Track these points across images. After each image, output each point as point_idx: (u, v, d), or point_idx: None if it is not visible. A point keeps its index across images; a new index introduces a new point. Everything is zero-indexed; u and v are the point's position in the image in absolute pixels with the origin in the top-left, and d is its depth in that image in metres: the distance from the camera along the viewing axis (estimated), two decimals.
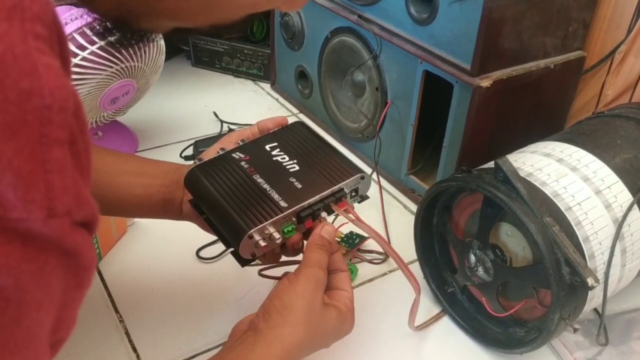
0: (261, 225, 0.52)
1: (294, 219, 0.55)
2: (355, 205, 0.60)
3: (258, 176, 0.58)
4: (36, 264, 0.25)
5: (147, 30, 0.38)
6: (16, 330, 0.26)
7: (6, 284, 0.24)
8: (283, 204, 0.54)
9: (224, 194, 0.56)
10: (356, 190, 0.59)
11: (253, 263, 0.57)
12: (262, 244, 0.53)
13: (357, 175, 0.58)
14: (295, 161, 0.59)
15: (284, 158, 0.60)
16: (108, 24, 0.36)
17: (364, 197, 0.61)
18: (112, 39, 0.37)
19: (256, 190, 0.56)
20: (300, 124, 0.65)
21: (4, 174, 0.23)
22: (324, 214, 0.57)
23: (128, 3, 0.34)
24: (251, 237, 0.52)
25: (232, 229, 0.54)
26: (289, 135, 0.63)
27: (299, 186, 0.56)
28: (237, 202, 0.55)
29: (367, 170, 1.02)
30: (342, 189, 0.57)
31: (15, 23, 0.23)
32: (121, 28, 0.37)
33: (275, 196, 0.55)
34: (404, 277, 0.58)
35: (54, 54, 0.25)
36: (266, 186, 0.56)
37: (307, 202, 0.55)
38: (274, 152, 0.61)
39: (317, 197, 0.56)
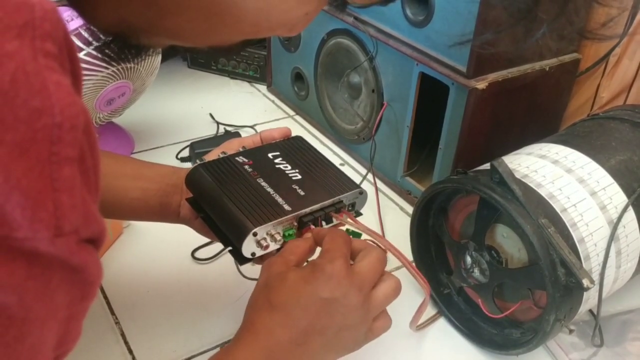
0: (266, 224, 0.53)
1: (295, 224, 0.56)
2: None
3: (262, 180, 0.59)
4: (41, 281, 0.25)
5: (145, 46, 0.38)
6: (19, 348, 0.25)
7: (10, 302, 0.24)
8: (287, 207, 0.55)
9: (229, 192, 0.57)
10: (353, 205, 0.61)
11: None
12: (264, 243, 0.54)
13: (356, 190, 0.60)
14: (297, 171, 0.61)
15: (286, 167, 0.61)
16: (106, 37, 0.36)
17: (358, 213, 0.62)
18: (108, 51, 0.37)
19: (260, 192, 0.57)
20: (300, 138, 0.67)
21: (12, 194, 0.22)
22: (323, 223, 0.58)
23: (129, 20, 0.34)
24: (255, 234, 0.53)
25: (236, 226, 0.54)
26: (290, 147, 0.65)
27: (302, 193, 0.58)
28: (242, 201, 0.56)
29: (363, 171, 1.02)
30: (342, 200, 0.59)
31: (26, 41, 0.23)
32: (119, 42, 0.37)
33: (279, 199, 0.56)
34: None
35: (64, 72, 0.25)
36: (270, 190, 0.57)
37: (309, 208, 0.56)
38: (276, 160, 0.62)
39: (319, 205, 0.57)
